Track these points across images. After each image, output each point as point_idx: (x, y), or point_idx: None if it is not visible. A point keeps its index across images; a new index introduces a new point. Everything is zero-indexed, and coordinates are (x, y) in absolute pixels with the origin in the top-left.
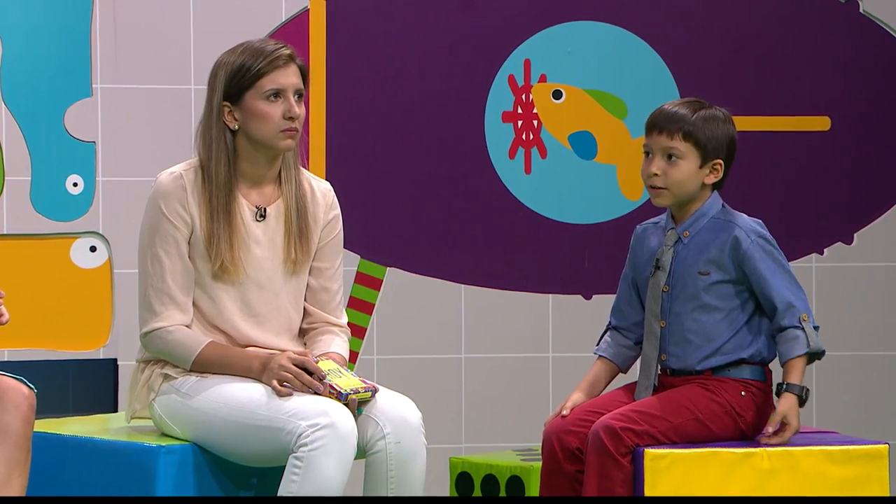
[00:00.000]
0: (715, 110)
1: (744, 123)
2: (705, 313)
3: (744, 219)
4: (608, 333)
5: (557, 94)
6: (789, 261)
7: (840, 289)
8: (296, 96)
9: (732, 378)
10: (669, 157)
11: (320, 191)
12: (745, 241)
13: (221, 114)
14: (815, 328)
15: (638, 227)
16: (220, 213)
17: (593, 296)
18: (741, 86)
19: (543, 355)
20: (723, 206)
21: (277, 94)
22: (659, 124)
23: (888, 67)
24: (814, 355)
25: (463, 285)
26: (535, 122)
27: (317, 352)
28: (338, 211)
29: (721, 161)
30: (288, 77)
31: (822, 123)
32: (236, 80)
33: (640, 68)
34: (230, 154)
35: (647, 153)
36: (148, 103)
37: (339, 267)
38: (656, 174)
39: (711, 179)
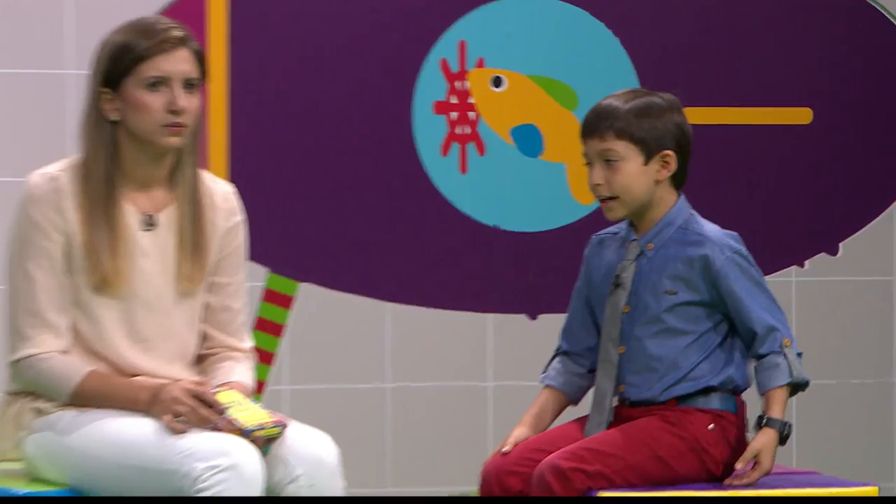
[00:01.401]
0: (652, 97)
1: (713, 116)
2: (671, 338)
3: (715, 231)
4: (557, 359)
5: (497, 82)
6: (766, 274)
7: (823, 307)
8: (185, 86)
9: (699, 408)
10: (608, 161)
11: (220, 193)
12: (718, 259)
13: (100, 102)
14: (798, 355)
15: (594, 236)
16: (99, 218)
17: (539, 315)
18: (711, 73)
19: (482, 384)
20: (691, 214)
21: (160, 82)
22: (590, 126)
23: (880, 50)
24: (797, 386)
25: (388, 303)
26: (472, 114)
27: (216, 381)
28: (241, 217)
29: (671, 152)
30: (175, 63)
31: (803, 116)
32: (116, 64)
33: (594, 52)
34: (111, 150)
35: (587, 163)
36: (11, 91)
37: (241, 282)
38: (599, 184)
39: (664, 174)
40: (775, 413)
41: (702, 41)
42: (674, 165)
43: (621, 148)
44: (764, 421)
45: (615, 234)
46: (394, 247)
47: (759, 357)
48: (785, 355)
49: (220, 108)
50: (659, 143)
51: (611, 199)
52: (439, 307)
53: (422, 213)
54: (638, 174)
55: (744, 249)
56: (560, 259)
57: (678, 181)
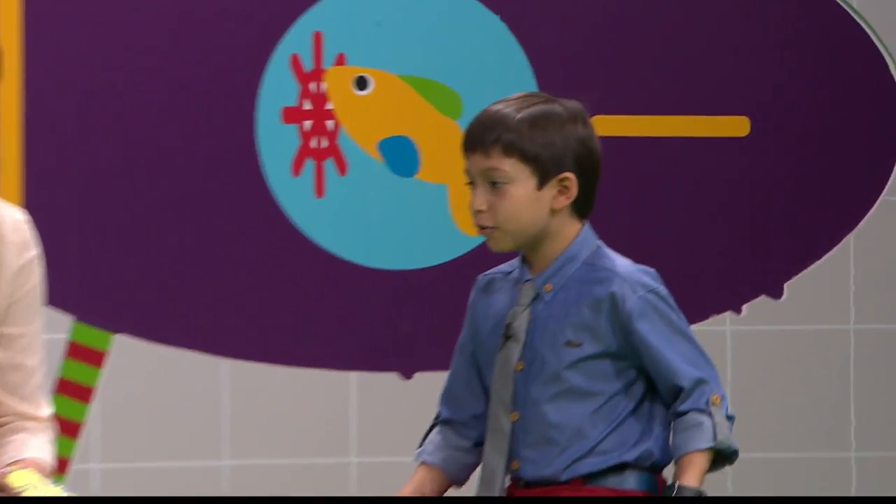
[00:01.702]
0: (551, 105)
1: (630, 126)
2: (575, 400)
3: (626, 265)
4: (436, 430)
5: (362, 83)
6: (692, 323)
7: (764, 362)
8: None
9: (611, 488)
10: (494, 183)
11: (10, 223)
12: (628, 298)
13: None
14: (729, 418)
15: (480, 277)
16: None
17: (415, 374)
18: (629, 76)
19: (343, 461)
20: (598, 246)
21: None
22: (472, 138)
23: (833, 44)
24: (722, 455)
25: (225, 359)
26: (330, 123)
27: (7, 458)
28: (36, 251)
29: (571, 175)
30: None
31: (738, 127)
32: None
33: (484, 49)
34: None
35: (469, 182)
36: None
37: (38, 333)
38: (481, 210)
39: (562, 202)
40: (689, 480)
41: (619, 38)
42: (574, 191)
43: (510, 167)
44: (675, 489)
45: (507, 273)
46: (232, 289)
47: (678, 415)
48: (711, 414)
49: (11, 121)
50: (557, 163)
51: (492, 227)
52: (290, 364)
53: (267, 247)
54: (529, 200)
55: (662, 288)
56: (441, 304)
57: (582, 209)
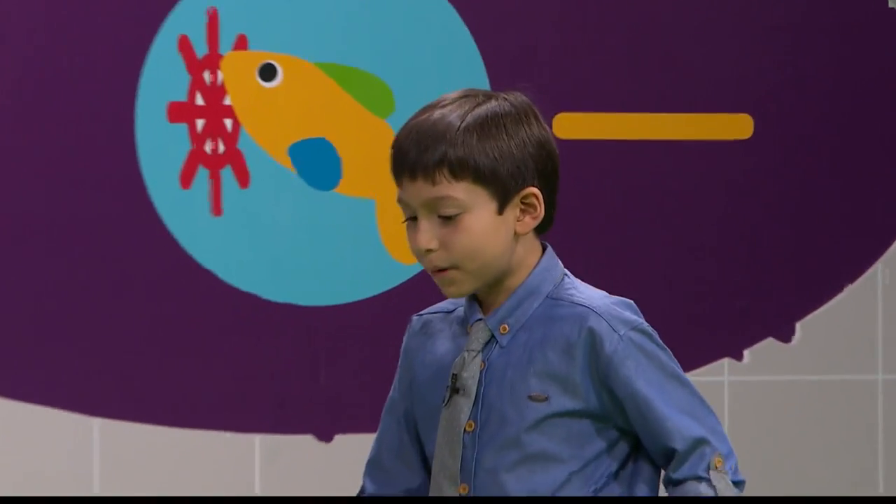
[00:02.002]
0: (496, 103)
1: (608, 127)
2: (541, 469)
3: (599, 298)
4: None
5: (269, 73)
6: (684, 371)
7: (770, 421)
8: None
9: None
10: (445, 218)
11: None
12: (607, 340)
13: None
14: (737, 484)
15: (415, 318)
16: None
17: (335, 436)
18: (605, 69)
19: None
20: (565, 275)
21: None
22: (408, 161)
23: (851, 28)
24: None
25: (97, 419)
26: (229, 123)
27: None
28: None
29: (534, 189)
30: None
31: (740, 127)
32: None
33: (421, 30)
34: None
35: (409, 218)
36: None
37: None
38: (431, 250)
39: (529, 224)
40: None
41: (597, 21)
42: (541, 209)
43: (463, 193)
44: None
45: (448, 312)
46: (105, 331)
47: (674, 483)
48: (711, 482)
49: None
50: (517, 178)
51: (450, 269)
52: (175, 425)
53: (150, 277)
54: (491, 230)
55: (644, 323)
56: (368, 348)
57: (543, 227)
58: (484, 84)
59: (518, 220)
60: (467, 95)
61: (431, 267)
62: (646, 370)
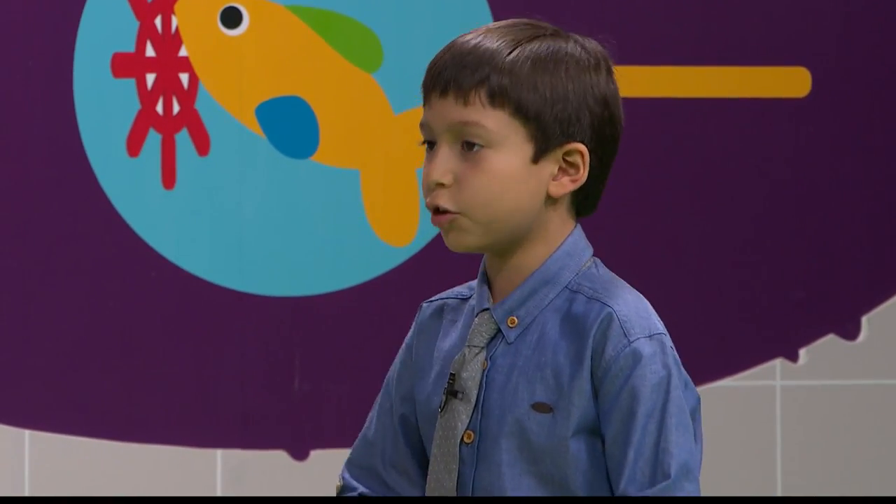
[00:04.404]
0: (564, 42)
1: (643, 83)
2: (549, 488)
3: (624, 295)
4: None
5: (232, 18)
6: (725, 376)
7: (830, 431)
8: None
9: None
10: (468, 144)
11: None
12: (613, 344)
13: None
14: None
15: (425, 304)
16: None
17: (310, 453)
18: (640, 20)
19: None
20: (593, 262)
21: None
22: (443, 77)
23: None
24: None
25: (28, 431)
26: (185, 78)
27: None
28: None
29: (582, 147)
30: None
31: (796, 83)
32: None
33: None
34: None
35: (427, 143)
36: None
37: None
38: (441, 183)
39: (566, 186)
40: None
41: None
42: (584, 172)
43: (495, 123)
44: None
45: (464, 298)
46: (35, 326)
47: None
48: None
49: None
50: (566, 128)
51: (454, 213)
52: (121, 439)
53: (91, 261)
54: (518, 177)
55: (665, 336)
56: (351, 347)
57: (582, 205)
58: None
59: (553, 179)
60: (528, 25)
61: (436, 203)
62: (637, 391)
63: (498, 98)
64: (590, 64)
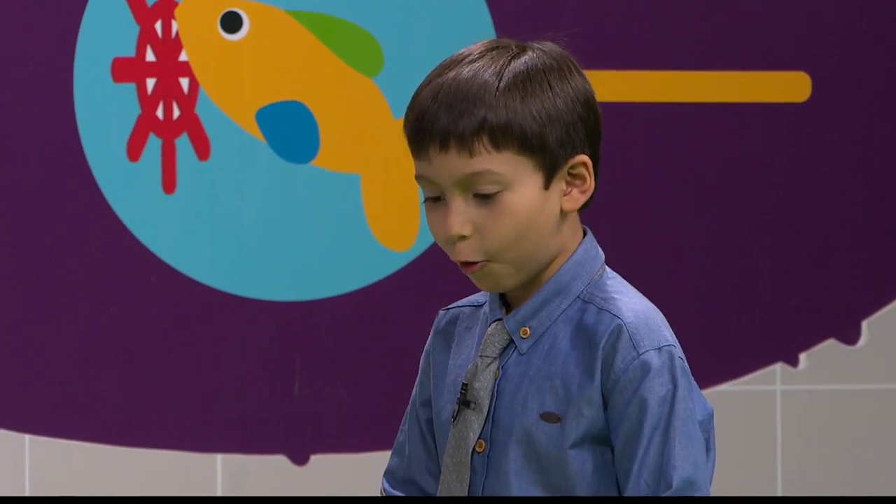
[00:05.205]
0: (533, 55)
1: (639, 88)
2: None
3: (635, 305)
4: None
5: (232, 22)
6: (726, 380)
7: (831, 437)
8: None
9: None
10: (481, 196)
11: None
12: (622, 356)
13: None
14: None
15: (441, 312)
16: None
17: (311, 457)
18: (638, 21)
19: None
20: (603, 270)
21: None
22: (436, 131)
23: None
24: None
25: (28, 436)
26: (185, 83)
27: None
28: None
29: (585, 157)
30: None
31: (795, 87)
32: None
33: None
34: None
35: (432, 198)
36: None
37: None
38: (464, 236)
39: (578, 199)
40: None
41: None
42: (591, 181)
43: (505, 166)
44: None
45: (479, 305)
46: (37, 330)
47: None
48: None
49: None
50: (566, 143)
51: (486, 262)
52: (122, 444)
53: (91, 266)
54: (537, 209)
55: (676, 347)
56: (350, 352)
57: (584, 205)
58: (489, 35)
59: (565, 195)
60: (497, 47)
61: (462, 259)
62: (644, 404)
63: (502, 140)
64: (562, 70)
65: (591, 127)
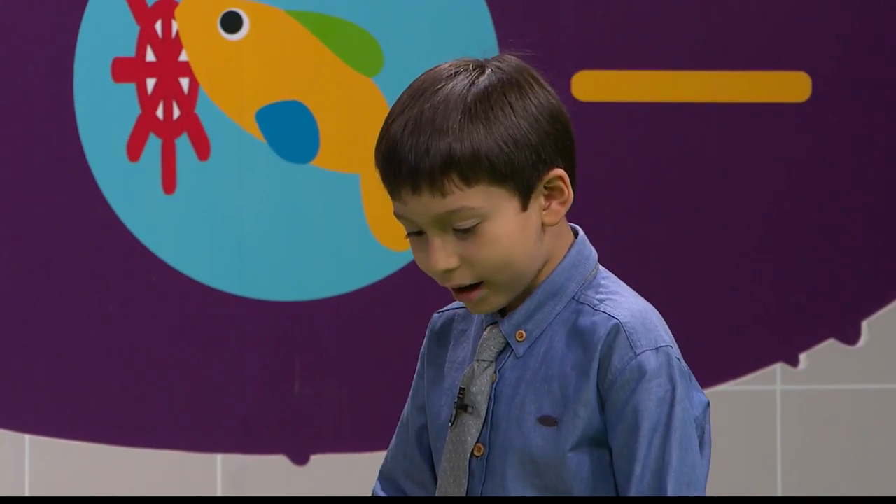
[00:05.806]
0: (490, 73)
1: (638, 87)
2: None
3: (631, 305)
4: None
5: (232, 22)
6: (726, 380)
7: (831, 437)
8: None
9: None
10: (461, 231)
11: None
12: (619, 356)
13: None
14: None
15: (436, 315)
16: None
17: (311, 457)
18: (637, 22)
19: None
20: (598, 270)
21: None
22: (405, 172)
23: None
24: None
25: (28, 436)
26: (185, 83)
27: None
28: None
29: (559, 171)
30: None
31: (795, 87)
32: None
33: None
34: None
35: (414, 232)
36: None
37: None
38: (450, 270)
39: (558, 211)
40: None
41: None
42: (569, 191)
43: (480, 199)
44: None
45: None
46: (37, 330)
47: None
48: None
49: None
50: (537, 162)
51: (477, 290)
52: (122, 443)
53: (92, 266)
54: (518, 232)
55: (673, 347)
56: (350, 352)
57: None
58: (489, 35)
59: (544, 210)
60: (456, 73)
61: (454, 286)
62: (642, 405)
63: (471, 175)
64: (522, 87)
65: (560, 139)
